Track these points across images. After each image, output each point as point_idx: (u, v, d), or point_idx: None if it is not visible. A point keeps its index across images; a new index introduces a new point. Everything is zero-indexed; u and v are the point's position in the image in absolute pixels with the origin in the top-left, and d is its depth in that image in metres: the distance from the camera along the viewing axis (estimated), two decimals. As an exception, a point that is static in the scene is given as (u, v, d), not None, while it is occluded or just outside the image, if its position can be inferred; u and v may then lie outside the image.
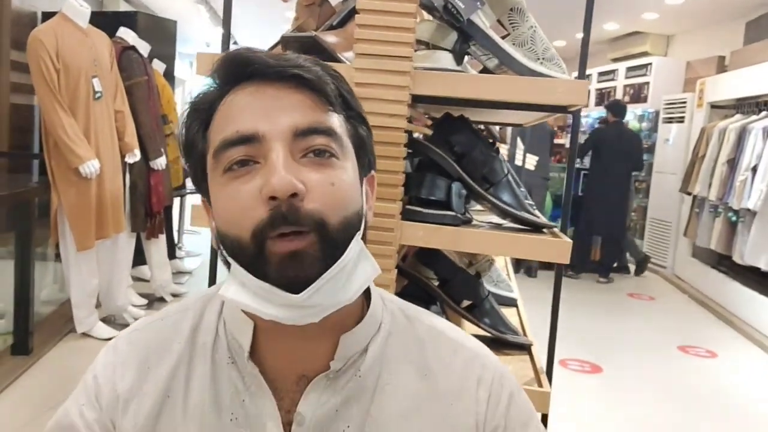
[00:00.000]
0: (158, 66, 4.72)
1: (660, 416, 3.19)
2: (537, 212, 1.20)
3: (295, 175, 0.58)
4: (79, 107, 3.23)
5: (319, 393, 0.65)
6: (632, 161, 6.13)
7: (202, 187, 0.67)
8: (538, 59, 1.06)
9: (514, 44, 1.06)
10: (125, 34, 3.90)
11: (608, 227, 6.15)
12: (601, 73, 8.00)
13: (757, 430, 3.14)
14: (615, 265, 6.46)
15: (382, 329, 0.69)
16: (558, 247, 1.01)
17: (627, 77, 7.51)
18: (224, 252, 0.62)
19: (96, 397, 0.69)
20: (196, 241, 6.22)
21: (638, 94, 7.26)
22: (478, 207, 1.35)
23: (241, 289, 0.61)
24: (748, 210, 4.67)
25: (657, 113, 6.93)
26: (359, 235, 0.62)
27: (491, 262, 1.59)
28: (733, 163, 5.02)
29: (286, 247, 0.58)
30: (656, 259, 6.74)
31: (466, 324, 1.33)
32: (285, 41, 1.04)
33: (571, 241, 1.02)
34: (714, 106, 5.89)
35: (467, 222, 1.14)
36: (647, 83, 7.09)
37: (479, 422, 0.68)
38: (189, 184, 5.81)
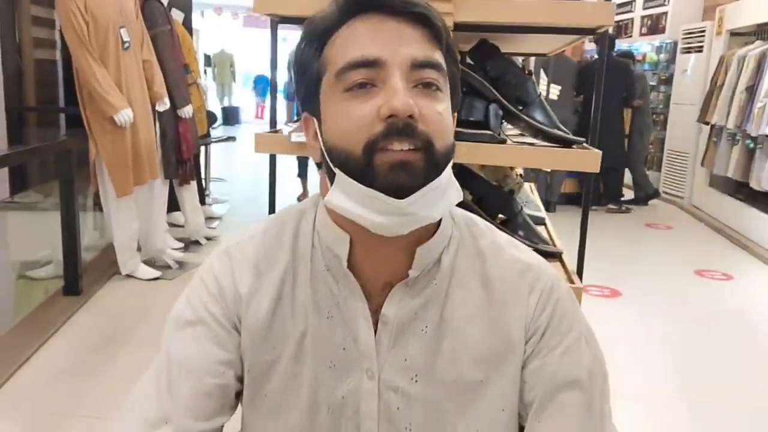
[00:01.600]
0: (177, 15, 4.76)
1: (678, 335, 3.34)
2: (565, 129, 1.31)
3: (413, 100, 0.67)
4: (110, 57, 3.33)
5: (400, 297, 0.76)
6: (623, 92, 6.06)
7: (310, 105, 0.75)
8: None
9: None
10: (146, -16, 3.95)
11: (605, 159, 6.14)
12: (618, 5, 7.89)
13: (771, 344, 3.29)
14: (631, 198, 6.56)
15: (452, 243, 0.79)
16: (588, 157, 1.13)
17: (645, 8, 7.41)
18: (330, 163, 0.71)
19: (220, 295, 0.79)
20: (222, 188, 6.39)
21: (656, 25, 7.18)
22: (511, 132, 1.46)
23: (344, 197, 0.69)
24: (767, 136, 4.71)
25: (675, 44, 6.87)
26: (451, 163, 0.72)
27: (520, 183, 1.71)
28: (752, 90, 5.03)
29: (396, 157, 0.66)
30: (673, 189, 6.81)
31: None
32: None
33: (600, 152, 1.13)
34: (734, 34, 5.84)
35: (503, 141, 1.26)
36: (665, 13, 7.01)
37: (527, 324, 0.77)
38: (213, 132, 5.94)
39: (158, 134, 3.94)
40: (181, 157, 4.18)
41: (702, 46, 6.33)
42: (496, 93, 1.21)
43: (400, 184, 0.66)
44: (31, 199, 4.52)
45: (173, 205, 4.46)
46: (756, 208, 5.19)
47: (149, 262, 3.86)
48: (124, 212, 3.56)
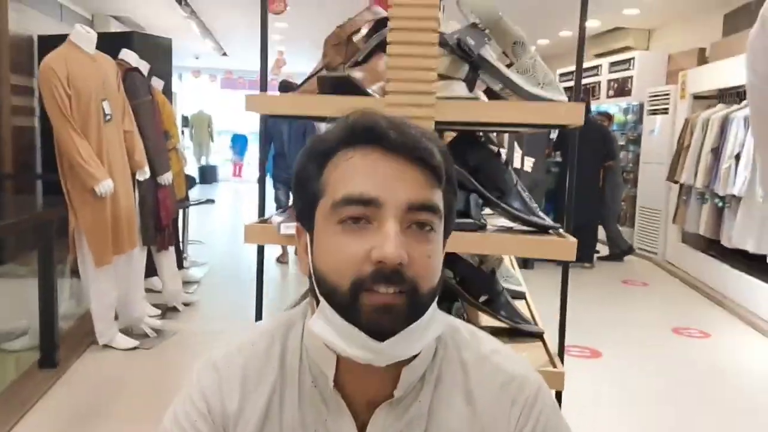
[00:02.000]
0: (157, 83, 4.85)
1: (659, 395, 3.37)
2: (542, 214, 1.37)
3: (403, 246, 0.68)
4: (91, 130, 3.36)
5: (384, 417, 0.76)
6: (601, 151, 6.29)
7: (305, 219, 0.76)
8: (539, 84, 1.22)
9: (518, 72, 1.22)
10: (127, 55, 4.03)
11: (580, 216, 6.29)
12: (586, 68, 8.20)
13: (750, 404, 3.32)
14: (606, 254, 6.69)
15: (436, 358, 0.79)
16: (564, 246, 1.18)
17: (611, 72, 7.72)
18: (316, 288, 0.73)
19: (209, 412, 0.78)
20: (200, 251, 6.36)
21: (622, 88, 7.46)
22: (488, 210, 1.51)
23: (327, 326, 0.71)
24: (734, 196, 4.87)
25: (641, 105, 7.14)
26: (436, 299, 0.73)
27: (500, 260, 1.76)
28: (717, 152, 5.22)
29: (381, 300, 0.68)
30: (647, 246, 6.95)
31: (484, 317, 1.49)
32: (321, 80, 1.20)
33: (575, 240, 1.18)
34: (696, 97, 6.09)
35: (483, 227, 1.30)
36: (630, 77, 7.30)
37: None
38: (191, 194, 5.96)
39: (137, 201, 3.95)
40: (160, 224, 4.18)
41: (667, 108, 6.59)
42: (476, 183, 1.27)
43: (383, 327, 0.68)
44: (6, 268, 4.46)
45: (151, 270, 4.43)
46: (728, 264, 5.32)
47: (126, 331, 3.81)
48: (103, 282, 3.54)
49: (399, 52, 1.17)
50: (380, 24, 1.31)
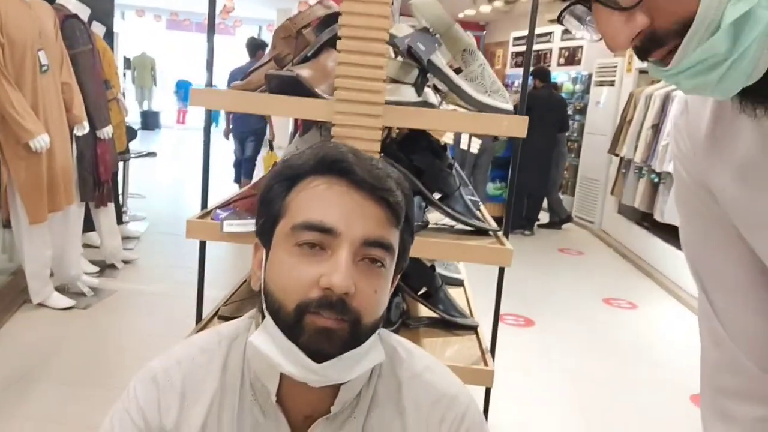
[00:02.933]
0: (98, 29, 4.63)
1: (588, 365, 3.54)
2: (481, 215, 1.40)
3: (352, 278, 0.71)
4: (26, 81, 3.21)
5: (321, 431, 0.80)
6: (560, 123, 6.46)
7: (264, 236, 0.79)
8: (486, 92, 1.24)
9: (466, 79, 1.23)
10: (65, 1, 3.83)
11: (535, 185, 6.47)
12: (538, 35, 8.23)
13: (671, 373, 3.53)
14: (546, 222, 6.89)
15: (373, 375, 0.83)
16: (501, 253, 1.22)
17: (562, 40, 7.78)
18: (264, 303, 0.76)
19: (146, 427, 0.79)
20: (141, 205, 6.22)
21: (572, 57, 7.55)
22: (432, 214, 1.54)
23: (268, 341, 0.74)
24: (669, 173, 5.05)
25: (590, 76, 7.25)
26: (378, 330, 0.77)
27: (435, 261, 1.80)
28: (657, 128, 5.37)
29: (323, 323, 0.71)
30: (585, 215, 7.17)
31: (422, 308, 1.54)
32: (269, 78, 1.18)
33: (512, 248, 1.22)
34: (642, 72, 6.22)
35: (425, 226, 1.33)
36: (581, 47, 7.38)
37: None
38: (132, 147, 5.77)
39: (75, 156, 3.82)
40: (99, 179, 4.06)
41: (614, 81, 6.71)
42: (420, 186, 1.28)
43: (322, 349, 0.72)
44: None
45: (88, 225, 4.32)
46: (659, 237, 5.55)
47: (62, 289, 3.73)
48: (37, 239, 3.43)
49: (349, 47, 1.16)
50: (331, 18, 1.29)
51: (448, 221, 1.42)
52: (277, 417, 0.80)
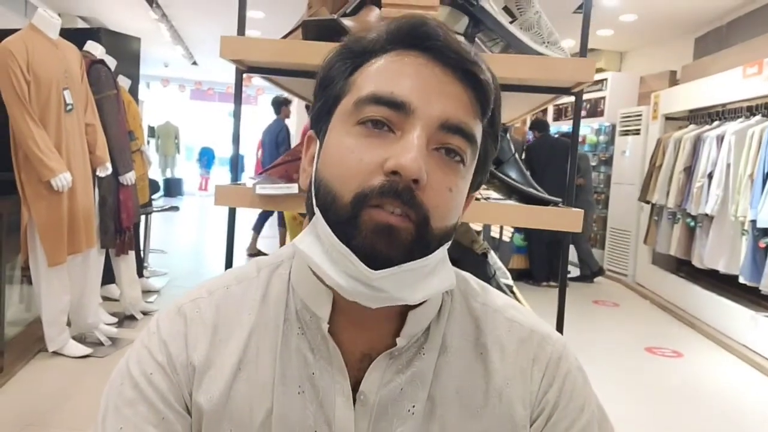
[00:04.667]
0: (123, 82, 4.69)
1: (636, 413, 3.27)
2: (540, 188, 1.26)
3: (425, 165, 0.57)
4: (50, 119, 3.18)
5: (382, 372, 0.64)
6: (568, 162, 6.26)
7: (319, 124, 0.65)
8: (544, 42, 1.12)
9: (521, 28, 1.12)
10: (93, 47, 3.87)
11: (552, 235, 6.26)
12: (557, 90, 8.24)
13: (726, 421, 3.25)
14: (577, 275, 6.65)
15: (443, 307, 0.68)
16: (570, 216, 1.07)
17: (584, 92, 7.76)
18: (314, 200, 0.61)
19: (169, 365, 0.65)
20: (162, 261, 6.12)
21: (595, 109, 7.50)
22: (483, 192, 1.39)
23: (315, 244, 0.59)
24: (706, 215, 4.87)
25: (613, 126, 7.17)
26: (447, 245, 0.62)
27: (488, 249, 1.64)
28: (689, 171, 5.23)
29: (386, 219, 0.56)
30: (617, 267, 6.93)
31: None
32: (306, 25, 1.08)
33: (581, 210, 1.07)
34: (668, 118, 6.13)
35: (477, 200, 1.18)
36: (603, 98, 7.34)
37: (532, 403, 0.66)
38: (155, 202, 5.75)
39: (97, 201, 3.75)
40: (120, 226, 3.98)
41: (639, 129, 6.62)
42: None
43: (379, 251, 0.56)
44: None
45: (108, 277, 4.22)
46: (698, 285, 5.30)
47: (79, 338, 3.58)
48: (55, 283, 3.31)
49: (394, 1, 1.06)
50: (370, -25, 1.20)
51: (498, 198, 1.28)
52: (329, 352, 0.64)
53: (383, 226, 0.56)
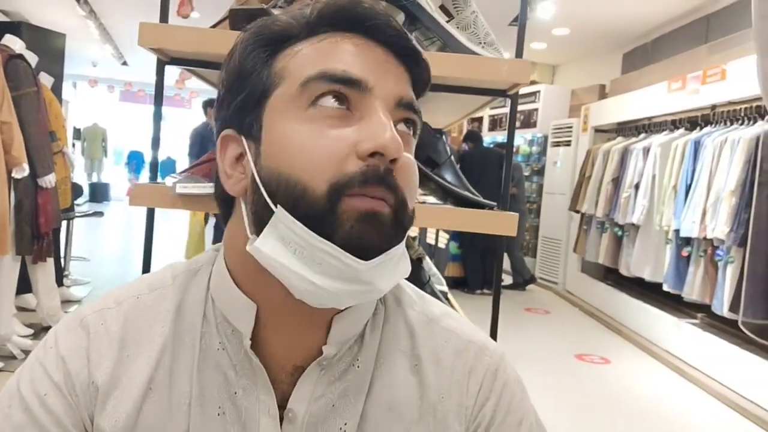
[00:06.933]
0: (46, 80, 4.44)
1: (563, 420, 3.31)
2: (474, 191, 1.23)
3: None
4: (-40, 116, 2.97)
5: (313, 385, 0.59)
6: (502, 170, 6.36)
7: (242, 121, 0.58)
8: (480, 43, 1.10)
9: (458, 27, 1.09)
10: (12, 41, 3.65)
11: (485, 241, 6.32)
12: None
13: (650, 426, 3.33)
14: (510, 283, 6.75)
15: (377, 315, 0.64)
16: (505, 219, 1.04)
17: (518, 104, 7.93)
18: (268, 198, 0.54)
19: (66, 385, 0.58)
20: (84, 269, 5.83)
21: (528, 120, 7.67)
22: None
23: (282, 248, 0.52)
24: (633, 225, 5.02)
25: (546, 137, 7.34)
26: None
27: (423, 254, 1.61)
28: (617, 182, 5.39)
29: (370, 205, 0.52)
30: (548, 275, 7.08)
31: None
32: (233, 14, 1.01)
33: (516, 214, 1.05)
34: (597, 130, 6.32)
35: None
36: (536, 109, 7.51)
37: (468, 417, 0.63)
38: (79, 207, 5.48)
39: (13, 205, 3.53)
40: (38, 231, 3.74)
41: (570, 141, 6.80)
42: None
43: (367, 242, 0.51)
44: None
45: (25, 285, 3.96)
46: (625, 293, 5.46)
47: (-10, 350, 3.35)
48: (-37, 291, 3.09)
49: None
50: (303, -34, 1.15)
51: (434, 202, 1.24)
52: (253, 369, 0.59)
53: (368, 214, 0.52)
